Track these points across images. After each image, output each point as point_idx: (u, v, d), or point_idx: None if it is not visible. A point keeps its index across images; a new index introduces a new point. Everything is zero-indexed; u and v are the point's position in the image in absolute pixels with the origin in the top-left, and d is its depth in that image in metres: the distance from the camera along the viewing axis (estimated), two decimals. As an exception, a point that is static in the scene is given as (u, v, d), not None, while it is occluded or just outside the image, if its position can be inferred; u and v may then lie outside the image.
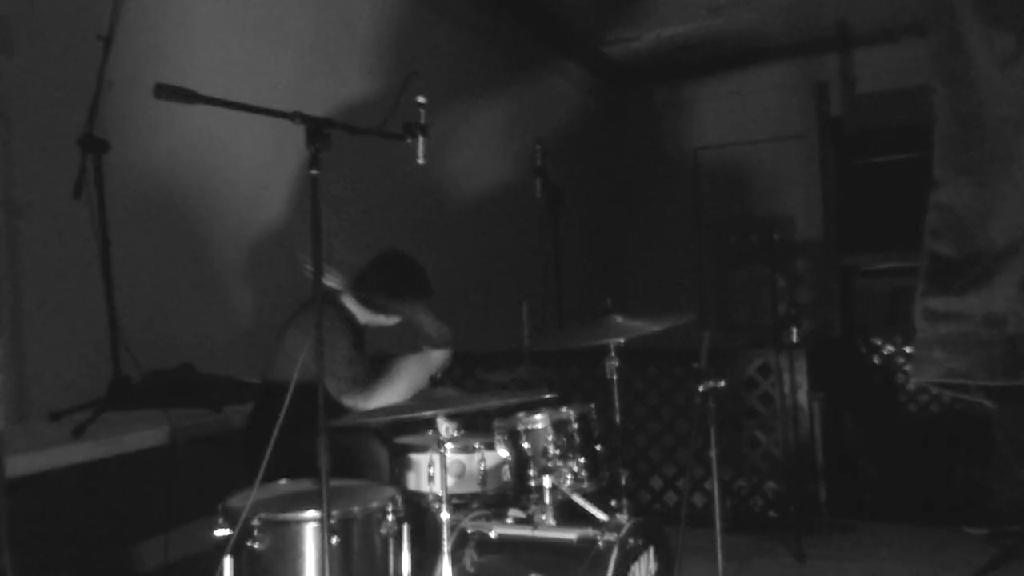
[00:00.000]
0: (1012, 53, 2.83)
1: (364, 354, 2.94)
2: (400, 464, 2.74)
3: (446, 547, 2.27)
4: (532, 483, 2.65)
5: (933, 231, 3.13)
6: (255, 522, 2.04)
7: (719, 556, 2.95)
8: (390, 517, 2.16)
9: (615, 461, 2.99)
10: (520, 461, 2.67)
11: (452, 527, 2.41)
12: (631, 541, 2.39)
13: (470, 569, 2.43)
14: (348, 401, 2.77)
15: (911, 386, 6.26)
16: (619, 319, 3.06)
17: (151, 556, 3.27)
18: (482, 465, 2.66)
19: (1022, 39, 2.83)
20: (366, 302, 3.01)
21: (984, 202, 2.99)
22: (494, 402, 2.48)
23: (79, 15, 3.29)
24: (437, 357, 2.96)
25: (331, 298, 3.01)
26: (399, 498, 2.21)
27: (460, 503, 2.65)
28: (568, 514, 2.66)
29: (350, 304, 3.04)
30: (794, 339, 4.24)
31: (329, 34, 4.91)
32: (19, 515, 2.02)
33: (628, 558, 2.36)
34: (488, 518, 2.59)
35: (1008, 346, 2.92)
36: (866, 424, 5.40)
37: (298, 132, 2.00)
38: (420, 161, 2.41)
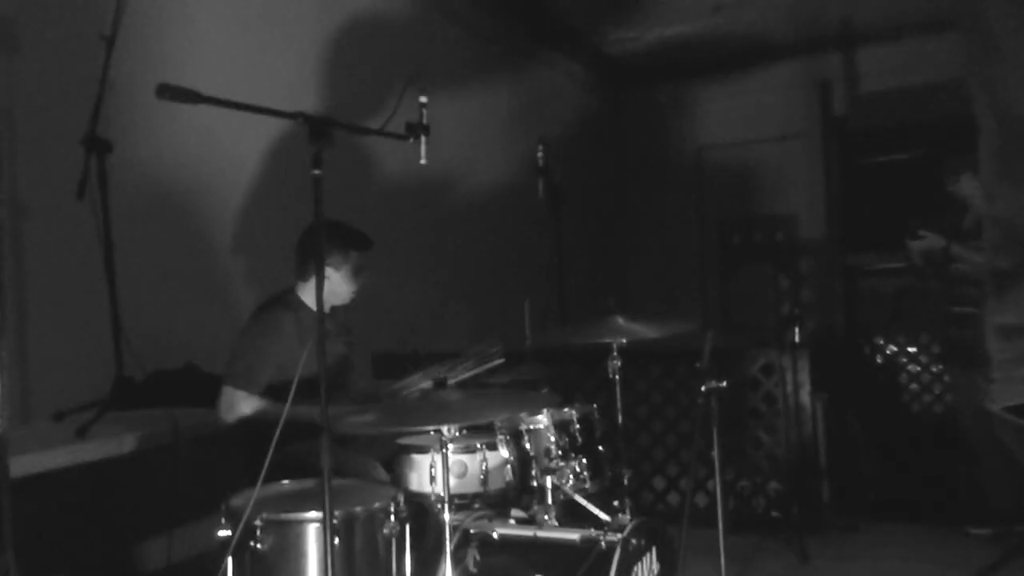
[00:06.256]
0: None
1: (268, 357, 2.83)
2: (402, 464, 2.73)
3: (448, 547, 2.27)
4: (534, 483, 2.66)
5: (995, 246, 3.00)
6: (257, 522, 2.04)
7: (722, 556, 2.95)
8: (392, 517, 2.15)
9: (617, 461, 2.99)
10: (522, 461, 2.68)
11: (454, 527, 2.41)
12: (634, 542, 2.38)
13: (472, 569, 2.43)
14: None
15: (915, 386, 6.25)
16: (621, 320, 3.06)
17: (155, 556, 3.27)
18: (484, 465, 2.65)
19: None
20: (306, 270, 2.97)
21: None
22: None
23: (82, 15, 3.29)
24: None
25: (282, 297, 3.00)
26: (401, 498, 2.21)
27: (462, 503, 2.65)
28: (570, 514, 2.65)
29: (303, 293, 3.01)
30: (796, 339, 4.24)
31: (331, 32, 4.90)
32: (22, 515, 2.03)
33: (631, 559, 2.35)
34: (490, 518, 2.59)
35: None
36: (869, 424, 5.38)
37: (300, 132, 1.99)
38: (422, 161, 2.41)
